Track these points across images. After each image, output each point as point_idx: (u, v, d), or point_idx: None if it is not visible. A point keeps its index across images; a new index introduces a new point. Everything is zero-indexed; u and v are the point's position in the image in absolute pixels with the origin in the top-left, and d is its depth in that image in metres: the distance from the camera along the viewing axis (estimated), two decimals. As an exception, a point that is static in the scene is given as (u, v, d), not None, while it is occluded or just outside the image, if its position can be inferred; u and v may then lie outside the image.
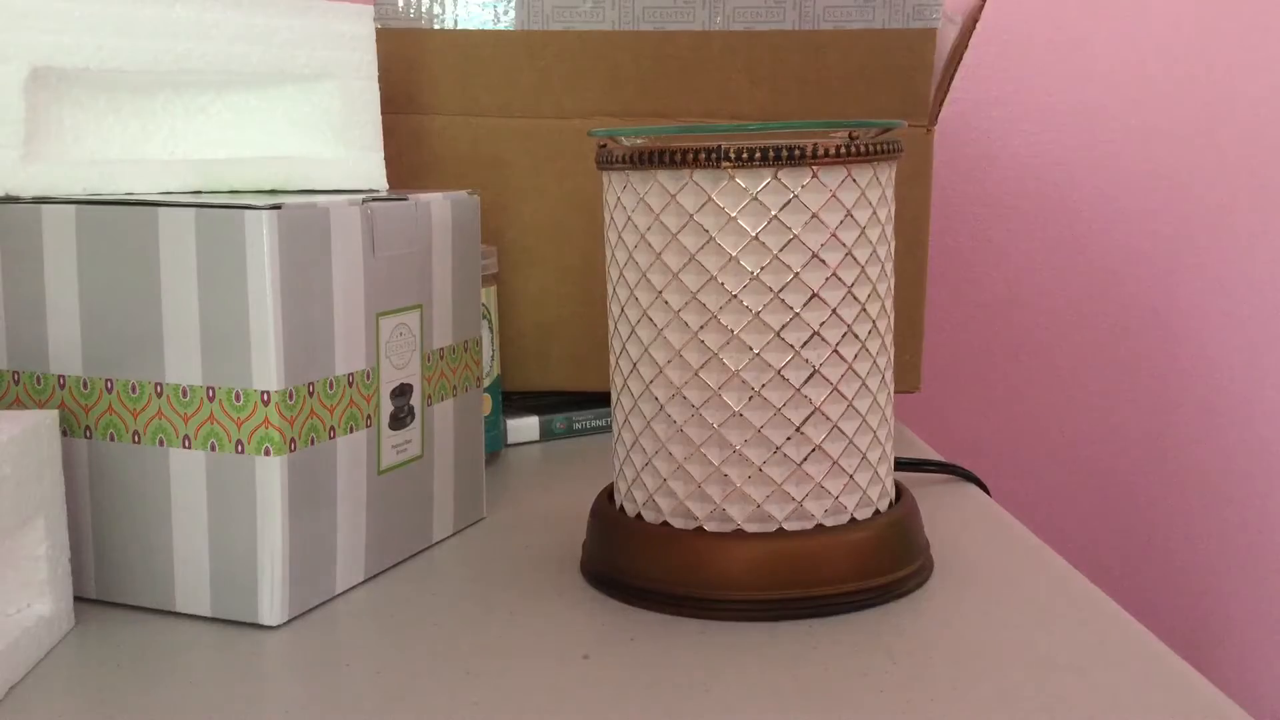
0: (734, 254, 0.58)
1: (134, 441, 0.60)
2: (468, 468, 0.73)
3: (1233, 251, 1.29)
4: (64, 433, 0.61)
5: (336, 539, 0.62)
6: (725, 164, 0.57)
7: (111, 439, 0.60)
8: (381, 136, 0.75)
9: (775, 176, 0.57)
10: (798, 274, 0.58)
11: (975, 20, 0.89)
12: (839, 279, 0.59)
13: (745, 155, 0.57)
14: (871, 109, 0.92)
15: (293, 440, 0.58)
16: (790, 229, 0.58)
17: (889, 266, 0.62)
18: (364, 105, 0.75)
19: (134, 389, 0.60)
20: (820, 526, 0.60)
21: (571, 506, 0.71)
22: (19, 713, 0.51)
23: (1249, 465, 1.31)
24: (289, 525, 0.58)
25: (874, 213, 0.60)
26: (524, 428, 0.93)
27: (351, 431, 0.62)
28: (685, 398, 0.60)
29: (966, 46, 0.91)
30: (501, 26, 0.92)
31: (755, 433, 0.59)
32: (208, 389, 0.58)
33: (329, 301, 0.61)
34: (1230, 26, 1.26)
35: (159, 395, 0.59)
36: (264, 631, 0.58)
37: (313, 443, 0.60)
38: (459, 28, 0.92)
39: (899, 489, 0.66)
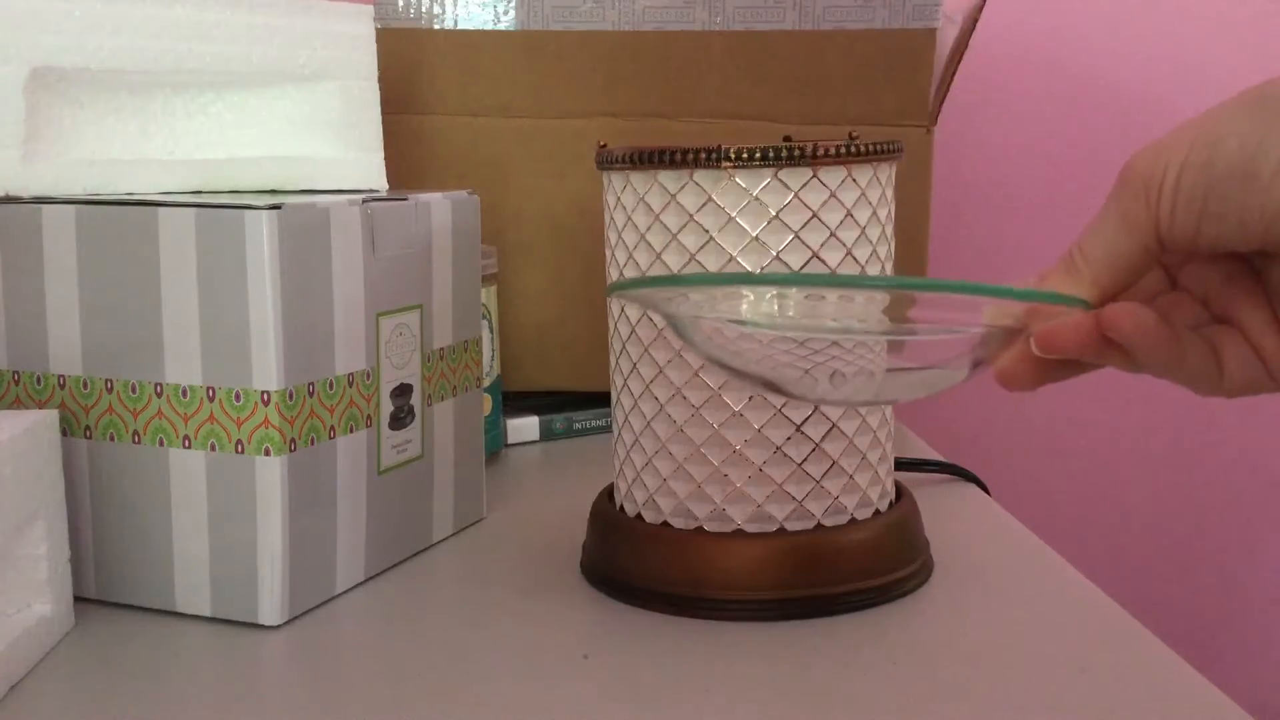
0: (734, 254, 0.58)
1: (134, 441, 0.60)
2: (468, 468, 0.73)
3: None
4: (64, 433, 0.61)
5: (336, 539, 0.62)
6: (725, 164, 0.57)
7: (111, 439, 0.60)
8: (381, 136, 0.75)
9: (775, 176, 0.57)
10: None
11: (975, 20, 0.89)
12: (839, 279, 0.58)
13: (745, 155, 0.57)
14: (871, 109, 0.92)
15: (293, 440, 0.58)
16: (790, 229, 0.57)
17: (889, 266, 0.62)
18: (364, 105, 0.75)
19: (134, 389, 0.60)
20: (820, 526, 0.60)
21: (571, 506, 0.71)
22: (19, 713, 0.51)
23: (1248, 463, 1.31)
24: (289, 525, 0.58)
25: (874, 213, 0.60)
26: (524, 428, 0.93)
27: (351, 431, 0.62)
28: (685, 398, 0.59)
29: (966, 46, 0.91)
30: (501, 26, 0.92)
31: (755, 433, 0.59)
32: (208, 389, 0.58)
33: (329, 301, 0.61)
34: (1232, 26, 1.26)
35: (159, 395, 0.59)
36: (264, 631, 0.58)
37: (313, 443, 0.60)
38: (459, 28, 0.92)
39: (899, 489, 0.66)
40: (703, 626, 0.58)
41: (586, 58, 0.92)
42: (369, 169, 0.74)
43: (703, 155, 0.57)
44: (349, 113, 0.74)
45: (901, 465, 0.81)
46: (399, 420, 0.66)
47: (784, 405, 0.58)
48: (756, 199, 0.57)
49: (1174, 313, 0.39)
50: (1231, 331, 0.37)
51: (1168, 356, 0.37)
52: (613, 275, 0.63)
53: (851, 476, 0.60)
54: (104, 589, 0.62)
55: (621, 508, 0.64)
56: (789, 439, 0.59)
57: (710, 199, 0.58)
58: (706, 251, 0.58)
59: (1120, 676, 0.52)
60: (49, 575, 0.57)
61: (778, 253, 0.57)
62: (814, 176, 0.57)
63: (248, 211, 0.57)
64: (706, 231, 0.58)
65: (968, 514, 0.75)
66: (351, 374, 0.62)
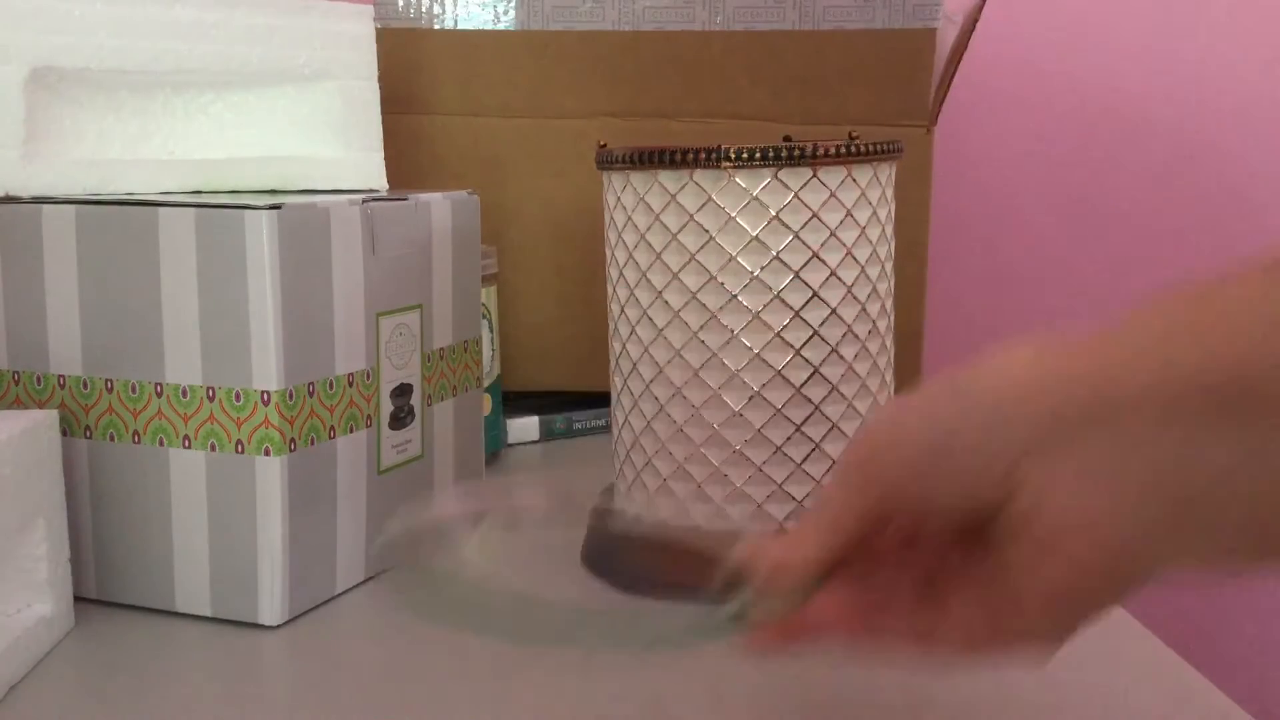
0: (734, 254, 0.58)
1: (134, 441, 0.60)
2: (468, 468, 0.73)
3: (1234, 249, 1.28)
4: (64, 433, 0.61)
5: (336, 539, 0.62)
6: (725, 164, 0.57)
7: (111, 439, 0.60)
8: (381, 136, 0.75)
9: (775, 176, 0.57)
10: (798, 274, 0.58)
11: (975, 20, 0.89)
12: (839, 279, 0.58)
13: (745, 155, 0.57)
14: (871, 109, 0.92)
15: (293, 440, 0.58)
16: (790, 229, 0.57)
17: (889, 266, 0.62)
18: (364, 105, 0.75)
19: (134, 389, 0.60)
20: (820, 526, 0.60)
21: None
22: (19, 713, 0.51)
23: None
24: (289, 525, 0.58)
25: (874, 213, 0.60)
26: (524, 428, 0.93)
27: (351, 431, 0.62)
28: (685, 398, 0.59)
29: (966, 46, 0.91)
30: (501, 26, 0.92)
31: (755, 433, 0.59)
32: (208, 389, 0.58)
33: (329, 301, 0.61)
34: (1232, 26, 1.26)
35: (159, 395, 0.59)
36: (264, 631, 0.58)
37: (313, 443, 0.60)
38: (459, 28, 0.92)
39: (899, 489, 0.65)
40: (703, 626, 0.58)
41: (586, 58, 0.92)
42: (369, 169, 0.74)
43: (703, 155, 0.57)
44: (349, 113, 0.74)
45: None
46: (399, 420, 0.66)
47: (784, 405, 0.59)
48: (756, 199, 0.57)
49: (897, 581, 0.40)
50: (950, 602, 0.38)
51: (867, 646, 0.40)
52: (612, 275, 0.63)
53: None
54: (104, 589, 0.62)
55: (622, 508, 0.64)
56: (789, 439, 0.59)
57: (710, 199, 0.58)
58: (706, 251, 0.58)
59: (1120, 676, 0.52)
60: (49, 575, 0.57)
61: (777, 253, 0.57)
62: (814, 176, 0.57)
63: (248, 211, 0.57)
64: (706, 231, 0.58)
65: (968, 514, 0.75)
66: (351, 374, 0.62)
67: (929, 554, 0.39)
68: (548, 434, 0.94)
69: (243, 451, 0.58)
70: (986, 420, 0.34)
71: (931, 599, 0.39)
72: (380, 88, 0.76)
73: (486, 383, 0.85)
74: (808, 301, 0.58)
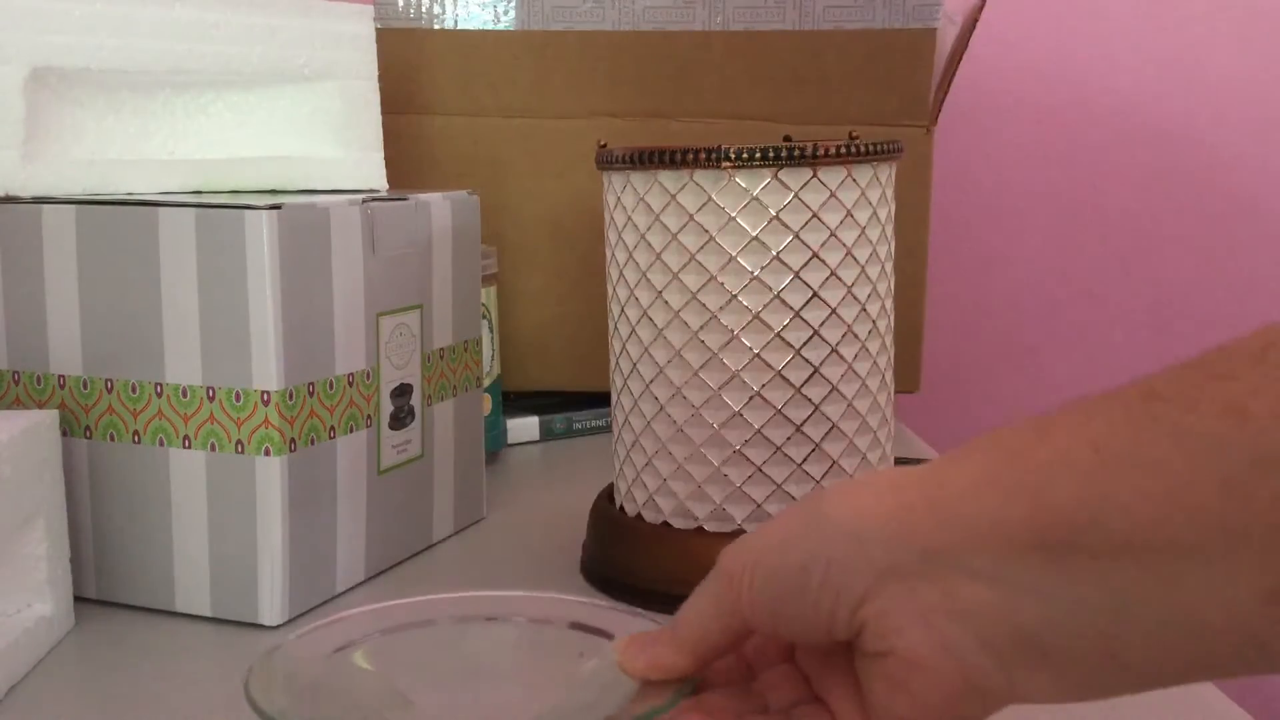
0: (734, 254, 0.58)
1: (134, 441, 0.60)
2: (468, 468, 0.73)
3: (1232, 250, 1.29)
4: (64, 433, 0.61)
5: (336, 539, 0.62)
6: (725, 164, 0.57)
7: (111, 439, 0.60)
8: (381, 136, 0.75)
9: (775, 176, 0.57)
10: (798, 274, 0.58)
11: (975, 20, 0.89)
12: (839, 279, 0.58)
13: (745, 155, 0.57)
14: (871, 109, 0.92)
15: (293, 440, 0.58)
16: (790, 229, 0.57)
17: (889, 266, 0.62)
18: (364, 105, 0.75)
19: (134, 389, 0.60)
20: (820, 526, 0.60)
21: (571, 506, 0.71)
22: (19, 713, 0.51)
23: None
24: (289, 525, 0.58)
25: (874, 213, 0.60)
26: (524, 428, 0.93)
27: (351, 431, 0.62)
28: (685, 398, 0.59)
29: (966, 46, 0.91)
30: (501, 26, 0.92)
31: (755, 433, 0.59)
32: (208, 389, 0.58)
33: (329, 301, 0.61)
34: (1229, 29, 1.26)
35: (159, 395, 0.59)
36: (264, 631, 0.58)
37: (313, 443, 0.60)
38: (459, 28, 0.92)
39: (899, 489, 0.65)
40: (703, 626, 0.58)
41: (586, 58, 0.92)
42: (369, 169, 0.74)
43: (703, 155, 0.57)
44: (349, 113, 0.74)
45: (901, 465, 0.81)
46: (399, 420, 0.66)
47: (784, 405, 0.58)
48: (756, 199, 0.57)
49: (777, 687, 0.40)
50: (830, 705, 0.39)
51: None
52: (613, 275, 0.63)
53: (851, 476, 0.60)
54: (104, 589, 0.62)
55: (621, 508, 0.64)
56: (789, 439, 0.59)
57: (710, 199, 0.58)
58: (706, 251, 0.58)
59: (1120, 676, 0.52)
60: (49, 575, 0.57)
61: (778, 253, 0.57)
62: (814, 176, 0.57)
63: (248, 211, 0.57)
64: (706, 231, 0.58)
65: (968, 514, 0.75)
66: (351, 374, 0.62)
67: (807, 661, 0.40)
68: (548, 434, 0.94)
69: (243, 451, 0.58)
70: (833, 560, 0.35)
71: (811, 705, 0.39)
72: (380, 88, 0.76)
73: (486, 383, 0.85)
74: (808, 301, 0.58)
